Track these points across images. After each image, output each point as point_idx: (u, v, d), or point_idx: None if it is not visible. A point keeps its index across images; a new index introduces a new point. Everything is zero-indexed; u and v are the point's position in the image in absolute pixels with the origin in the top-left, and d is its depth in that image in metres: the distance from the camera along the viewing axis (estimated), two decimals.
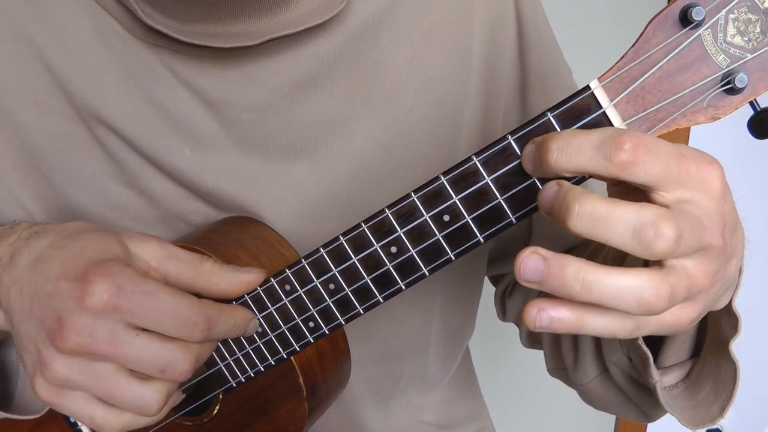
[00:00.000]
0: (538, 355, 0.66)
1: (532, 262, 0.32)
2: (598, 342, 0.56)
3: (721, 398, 0.47)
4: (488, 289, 0.72)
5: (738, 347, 0.47)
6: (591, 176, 0.35)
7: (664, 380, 0.49)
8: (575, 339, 0.59)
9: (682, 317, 0.35)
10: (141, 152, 0.53)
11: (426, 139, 0.56)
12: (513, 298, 0.69)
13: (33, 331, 0.41)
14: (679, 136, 1.31)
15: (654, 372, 0.48)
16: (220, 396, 0.51)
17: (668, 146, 0.32)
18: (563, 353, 0.61)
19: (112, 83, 0.51)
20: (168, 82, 0.51)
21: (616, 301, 0.32)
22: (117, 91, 0.51)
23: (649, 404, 0.54)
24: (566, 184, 0.34)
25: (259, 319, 0.46)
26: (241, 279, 0.45)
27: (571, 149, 0.33)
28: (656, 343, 0.50)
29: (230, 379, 0.49)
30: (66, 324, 0.38)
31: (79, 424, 0.55)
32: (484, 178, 0.38)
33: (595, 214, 0.31)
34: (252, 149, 0.54)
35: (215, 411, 0.51)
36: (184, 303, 0.40)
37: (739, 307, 0.46)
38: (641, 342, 0.47)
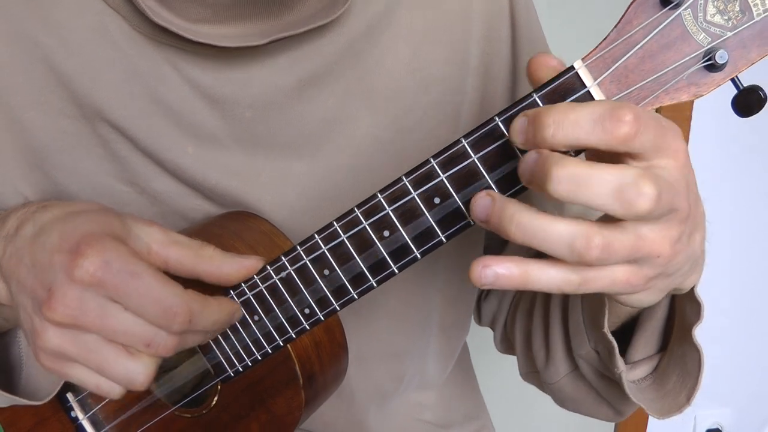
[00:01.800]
0: None
1: (483, 201, 0.36)
2: (568, 338, 0.57)
3: (688, 386, 0.48)
4: None
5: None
6: (587, 149, 0.35)
7: (634, 374, 0.50)
8: (546, 336, 0.59)
9: (635, 278, 0.35)
10: (144, 150, 0.54)
11: (424, 137, 0.57)
12: (488, 300, 0.70)
13: (27, 302, 0.41)
14: (681, 131, 1.32)
15: (619, 361, 0.48)
16: (219, 387, 0.51)
17: (652, 116, 0.33)
18: (534, 352, 0.61)
19: (116, 81, 0.52)
20: (172, 79, 0.52)
21: (547, 243, 0.33)
22: (121, 88, 0.52)
23: (619, 399, 0.55)
24: (545, 151, 0.34)
25: (255, 306, 0.47)
26: (242, 264, 0.45)
27: (567, 123, 0.33)
28: (626, 338, 0.51)
29: (228, 368, 0.49)
30: (55, 294, 0.39)
31: (80, 419, 0.56)
32: (473, 160, 0.39)
33: (576, 176, 0.32)
34: (254, 146, 0.54)
35: (214, 402, 0.51)
36: (168, 290, 0.40)
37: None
38: (607, 331, 0.48)
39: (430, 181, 0.40)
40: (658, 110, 0.38)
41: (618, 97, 0.36)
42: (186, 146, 0.54)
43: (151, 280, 0.40)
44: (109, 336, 0.40)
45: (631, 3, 0.36)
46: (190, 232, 0.51)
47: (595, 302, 0.50)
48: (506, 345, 0.70)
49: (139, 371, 0.41)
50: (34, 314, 0.41)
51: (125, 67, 0.52)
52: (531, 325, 0.62)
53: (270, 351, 0.47)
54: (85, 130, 0.53)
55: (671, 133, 0.34)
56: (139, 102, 0.52)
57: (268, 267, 0.46)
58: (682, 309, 0.48)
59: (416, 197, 0.40)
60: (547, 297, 0.60)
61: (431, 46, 0.56)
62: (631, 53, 0.36)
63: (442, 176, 0.39)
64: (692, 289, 0.45)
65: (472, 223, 0.40)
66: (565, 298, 0.57)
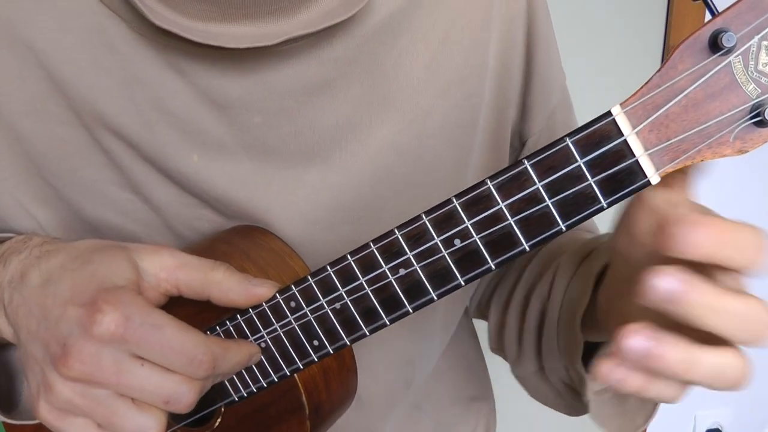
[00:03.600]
0: None
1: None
2: (540, 345, 0.57)
3: (647, 408, 0.48)
4: None
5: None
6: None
7: (595, 384, 0.50)
8: (519, 336, 0.60)
9: None
10: (147, 158, 0.51)
11: (442, 143, 0.55)
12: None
13: (39, 353, 0.40)
14: None
15: (590, 392, 0.49)
16: (222, 409, 0.50)
17: None
18: (506, 345, 0.62)
19: (115, 87, 0.49)
20: (176, 84, 0.49)
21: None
22: (120, 94, 0.49)
23: (578, 407, 0.56)
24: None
25: (262, 333, 0.45)
26: (251, 293, 0.44)
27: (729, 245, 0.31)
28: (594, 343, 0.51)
29: (232, 392, 0.48)
30: (71, 351, 0.38)
31: None
32: (498, 204, 0.37)
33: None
34: (264, 154, 0.52)
35: (216, 423, 0.50)
36: (191, 339, 0.40)
37: None
38: (580, 366, 0.48)
39: (451, 222, 0.38)
40: None
41: (657, 148, 0.34)
42: (191, 154, 0.51)
43: (172, 330, 0.39)
44: (125, 392, 0.39)
45: (677, 46, 0.34)
46: (197, 249, 0.50)
47: (571, 339, 0.50)
48: (480, 316, 0.71)
49: (150, 425, 0.39)
50: (46, 367, 0.40)
51: (125, 71, 0.49)
52: (505, 319, 0.62)
53: (276, 379, 0.46)
54: (83, 137, 0.51)
55: None
56: (141, 108, 0.50)
57: (278, 295, 0.44)
58: None
59: (435, 237, 0.38)
60: (525, 301, 0.60)
61: (452, 48, 0.54)
62: (674, 101, 0.34)
63: (465, 217, 0.37)
64: None
65: (493, 268, 0.38)
66: (543, 311, 0.57)
